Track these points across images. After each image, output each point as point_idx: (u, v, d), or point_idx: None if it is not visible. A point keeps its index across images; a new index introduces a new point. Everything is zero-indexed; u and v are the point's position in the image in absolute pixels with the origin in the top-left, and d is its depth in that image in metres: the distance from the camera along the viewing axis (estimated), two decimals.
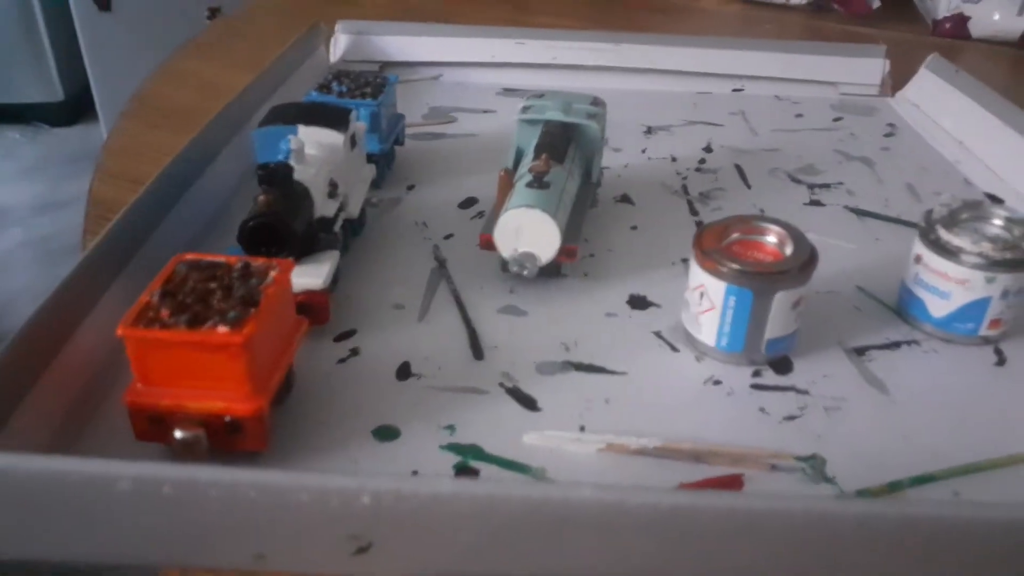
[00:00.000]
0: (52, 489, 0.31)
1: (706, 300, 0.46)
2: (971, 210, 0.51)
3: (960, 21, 1.13)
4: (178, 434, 0.36)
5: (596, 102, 0.61)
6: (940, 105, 0.82)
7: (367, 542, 0.31)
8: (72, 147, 2.66)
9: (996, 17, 1.11)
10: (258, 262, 0.40)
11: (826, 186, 0.69)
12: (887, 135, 0.80)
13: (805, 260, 0.45)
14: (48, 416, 0.38)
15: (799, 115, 0.83)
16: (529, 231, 0.50)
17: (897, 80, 0.89)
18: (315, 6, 1.17)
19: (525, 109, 0.59)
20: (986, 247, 0.47)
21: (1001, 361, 0.49)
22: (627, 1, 1.27)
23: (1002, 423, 0.44)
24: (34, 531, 0.32)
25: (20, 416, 0.36)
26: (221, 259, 0.40)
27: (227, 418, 0.37)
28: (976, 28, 1.13)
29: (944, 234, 0.49)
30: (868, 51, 0.89)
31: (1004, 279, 0.47)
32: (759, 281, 0.45)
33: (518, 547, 0.31)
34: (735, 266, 0.45)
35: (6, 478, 0.30)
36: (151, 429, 0.37)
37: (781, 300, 0.45)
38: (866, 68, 0.89)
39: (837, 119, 0.83)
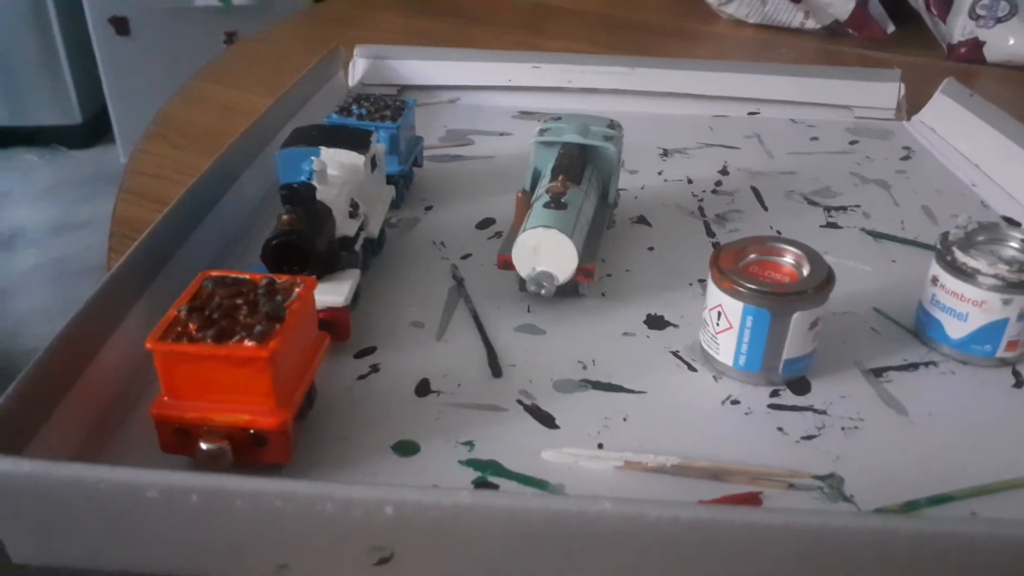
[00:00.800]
0: (81, 496, 0.31)
1: (724, 320, 0.47)
2: (987, 232, 0.51)
3: (975, 46, 1.14)
4: (203, 446, 0.37)
5: (613, 125, 0.61)
6: (956, 129, 0.83)
7: (389, 553, 0.32)
8: (89, 169, 2.69)
9: (1011, 42, 1.12)
10: (283, 279, 0.41)
11: (842, 208, 0.69)
12: (903, 158, 0.80)
13: (822, 281, 0.46)
14: (76, 428, 0.39)
15: (814, 138, 0.84)
16: (547, 251, 0.51)
17: (913, 104, 0.89)
18: (330, 31, 1.19)
19: (542, 131, 0.60)
20: (1002, 269, 0.47)
21: (1019, 383, 0.49)
22: (642, 26, 1.28)
23: (1020, 445, 0.44)
24: (61, 538, 0.33)
25: (49, 428, 0.37)
26: (246, 276, 0.41)
27: (252, 431, 0.37)
28: (991, 53, 1.13)
29: (960, 256, 0.49)
30: (883, 75, 0.90)
31: (1021, 301, 0.48)
32: (776, 301, 0.45)
33: (538, 559, 0.32)
34: (752, 286, 0.45)
35: (37, 484, 0.31)
36: (176, 441, 0.38)
37: (798, 320, 0.45)
38: (881, 92, 0.90)
39: (853, 142, 0.83)
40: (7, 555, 0.33)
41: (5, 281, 2.13)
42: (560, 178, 0.54)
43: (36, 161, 2.74)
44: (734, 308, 0.46)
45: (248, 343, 0.36)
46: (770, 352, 0.46)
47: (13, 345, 1.86)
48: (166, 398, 0.38)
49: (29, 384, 0.36)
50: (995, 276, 0.47)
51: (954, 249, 0.49)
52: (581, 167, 0.57)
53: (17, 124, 2.73)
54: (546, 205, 0.52)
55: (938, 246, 0.51)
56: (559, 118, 0.62)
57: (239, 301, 0.38)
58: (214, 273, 0.41)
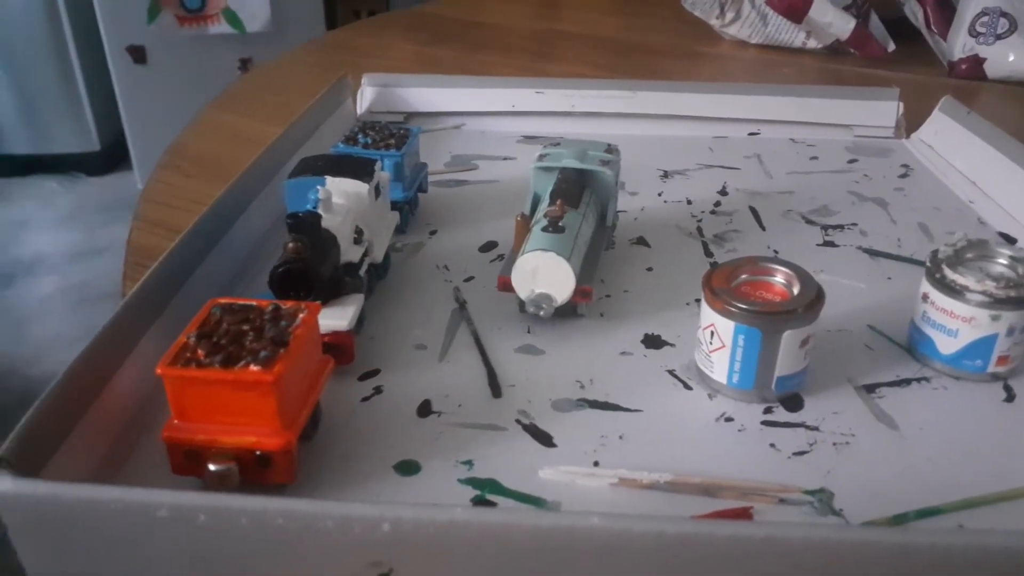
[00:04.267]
0: (95, 516, 0.33)
1: (716, 339, 0.48)
2: (976, 249, 0.52)
3: (975, 62, 1.15)
4: (212, 467, 0.38)
5: (610, 149, 0.63)
6: (953, 146, 0.84)
7: (388, 568, 0.33)
8: (107, 196, 2.74)
9: (1011, 58, 1.13)
10: (288, 305, 0.42)
11: (839, 227, 0.70)
12: (901, 176, 0.81)
13: (812, 299, 0.47)
14: (91, 451, 0.41)
15: (814, 157, 0.85)
16: (545, 273, 0.52)
17: (915, 121, 0.90)
18: (342, 59, 1.21)
19: (541, 157, 0.61)
20: (990, 285, 0.48)
21: (1010, 397, 0.50)
22: (646, 49, 1.30)
23: (1009, 458, 0.45)
24: (77, 556, 0.34)
25: (65, 451, 0.39)
26: (253, 303, 0.42)
27: (258, 452, 0.39)
28: (992, 69, 1.14)
29: (949, 273, 0.50)
30: (882, 94, 0.91)
31: (1009, 316, 0.49)
32: (767, 320, 0.46)
33: (532, 574, 0.33)
34: (743, 306, 0.46)
35: (53, 505, 0.33)
36: (187, 463, 0.40)
37: (789, 338, 0.46)
38: (880, 111, 0.91)
39: (852, 161, 0.85)
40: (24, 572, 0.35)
41: (26, 307, 2.16)
42: (558, 202, 0.56)
43: (56, 188, 2.79)
44: (726, 327, 0.47)
45: (254, 368, 0.38)
46: (762, 370, 0.47)
47: (33, 371, 1.89)
48: (176, 421, 0.39)
49: (46, 409, 0.38)
50: (983, 293, 0.49)
51: (943, 266, 0.50)
52: (579, 191, 0.59)
53: (37, 152, 2.78)
54: (544, 229, 0.54)
55: (928, 263, 0.52)
56: (558, 144, 0.63)
57: (245, 327, 0.40)
58: (223, 300, 0.43)
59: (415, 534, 0.32)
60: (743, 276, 0.50)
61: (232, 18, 2.46)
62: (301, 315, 0.41)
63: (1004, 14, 1.13)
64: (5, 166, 2.78)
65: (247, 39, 2.48)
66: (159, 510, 0.33)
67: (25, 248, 2.43)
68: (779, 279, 0.49)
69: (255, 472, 0.39)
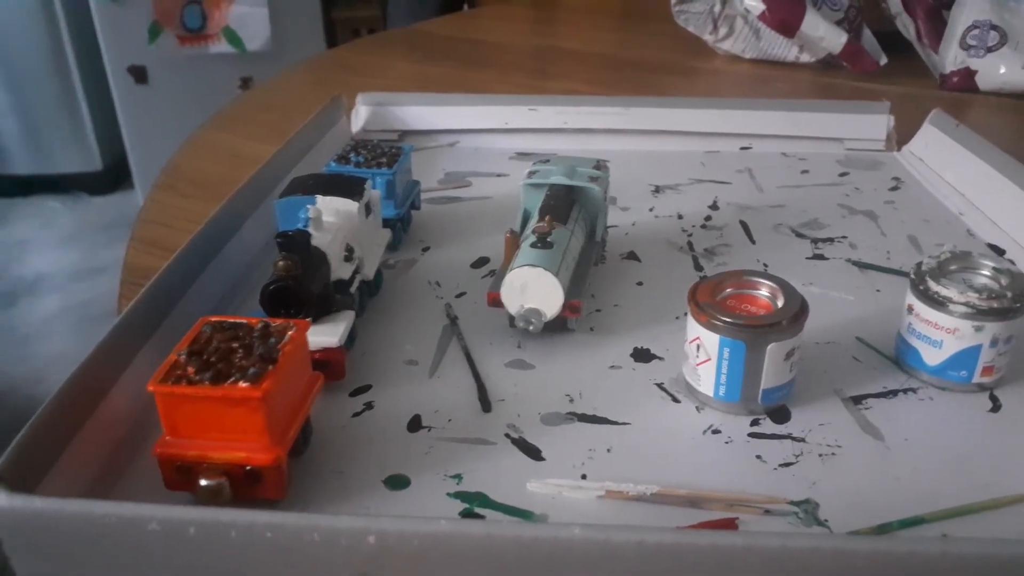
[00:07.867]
0: (89, 530, 0.34)
1: (702, 352, 0.48)
2: (960, 261, 0.53)
3: (967, 75, 1.16)
4: (203, 482, 0.39)
5: (599, 165, 0.64)
6: (943, 158, 0.85)
7: None
8: (110, 215, 2.75)
9: (1002, 70, 1.14)
10: (277, 323, 0.43)
11: (829, 240, 0.71)
12: (892, 188, 0.82)
13: (796, 312, 0.48)
14: (86, 467, 0.41)
15: (805, 171, 0.86)
16: (533, 288, 0.53)
17: (909, 133, 0.91)
18: (339, 77, 1.23)
19: (531, 174, 0.62)
20: (972, 297, 0.49)
21: (996, 407, 0.50)
22: (641, 65, 1.31)
23: (995, 468, 0.46)
24: (72, 570, 0.35)
25: (60, 467, 0.39)
26: (243, 321, 0.43)
27: (248, 467, 0.39)
28: (983, 81, 1.15)
29: (933, 285, 0.50)
30: (873, 107, 0.92)
31: (992, 327, 0.49)
32: (751, 333, 0.47)
33: None
34: (728, 319, 0.47)
35: (48, 520, 0.33)
36: (179, 479, 0.40)
37: (774, 351, 0.47)
38: (871, 124, 0.92)
39: (843, 174, 0.85)
40: None
41: (28, 327, 2.17)
42: (547, 218, 0.57)
43: (58, 208, 2.81)
44: (711, 341, 0.48)
45: (242, 384, 0.38)
46: (748, 382, 0.48)
47: (37, 390, 1.90)
48: (168, 437, 0.40)
49: (41, 426, 0.39)
50: (966, 304, 0.49)
51: (927, 278, 0.51)
52: (568, 207, 0.60)
53: (40, 172, 2.80)
54: (533, 245, 0.55)
55: (912, 276, 0.52)
56: (548, 160, 0.64)
57: (235, 344, 0.41)
58: (213, 318, 0.43)
59: (400, 546, 0.33)
60: (728, 290, 0.50)
61: (232, 37, 2.49)
62: (290, 332, 0.42)
63: (994, 27, 1.14)
64: (7, 186, 2.80)
65: (247, 58, 2.50)
66: (150, 524, 0.33)
67: (27, 268, 2.44)
68: (764, 292, 0.50)
69: (246, 487, 0.40)
